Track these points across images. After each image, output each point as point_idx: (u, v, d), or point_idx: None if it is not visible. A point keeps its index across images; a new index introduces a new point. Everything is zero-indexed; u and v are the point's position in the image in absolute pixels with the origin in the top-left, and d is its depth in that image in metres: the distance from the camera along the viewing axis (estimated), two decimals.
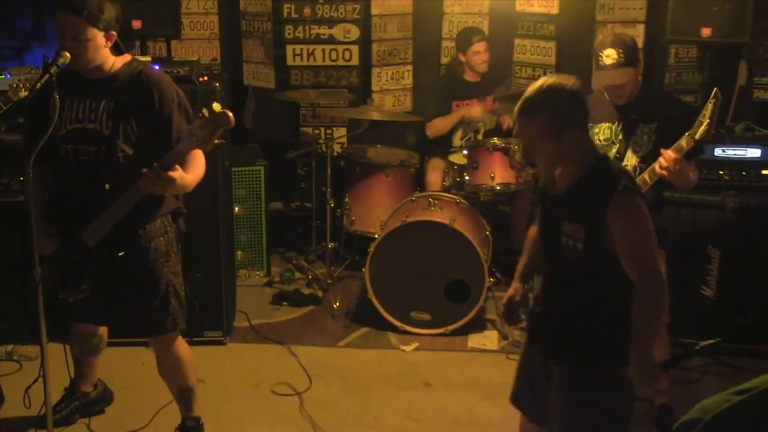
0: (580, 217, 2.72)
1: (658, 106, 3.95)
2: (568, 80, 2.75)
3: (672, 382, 4.11)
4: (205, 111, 3.26)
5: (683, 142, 3.54)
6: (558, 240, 2.81)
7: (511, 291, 3.10)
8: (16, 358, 4.57)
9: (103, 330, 4.02)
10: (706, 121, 3.52)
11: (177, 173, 3.25)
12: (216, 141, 3.35)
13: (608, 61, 3.82)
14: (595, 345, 2.84)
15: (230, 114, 3.22)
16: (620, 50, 3.85)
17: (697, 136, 3.52)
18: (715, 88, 3.60)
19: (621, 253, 2.65)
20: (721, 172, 4.42)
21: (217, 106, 3.30)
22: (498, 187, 5.22)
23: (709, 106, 3.51)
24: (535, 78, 6.14)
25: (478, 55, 5.72)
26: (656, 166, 3.62)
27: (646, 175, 3.71)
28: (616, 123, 3.95)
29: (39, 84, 3.29)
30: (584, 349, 2.84)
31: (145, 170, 3.25)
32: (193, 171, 3.38)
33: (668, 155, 3.56)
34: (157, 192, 3.39)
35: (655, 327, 2.71)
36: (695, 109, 4.27)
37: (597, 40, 3.92)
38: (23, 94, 3.81)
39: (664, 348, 3.97)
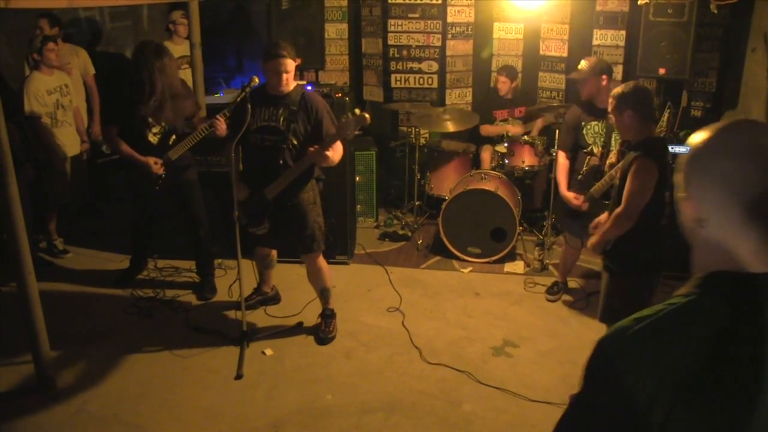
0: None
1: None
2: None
3: None
4: (349, 114, 3.25)
5: None
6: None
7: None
8: (223, 267, 4.63)
9: (274, 252, 4.02)
10: (665, 125, 3.58)
11: (330, 152, 3.30)
12: (357, 132, 3.37)
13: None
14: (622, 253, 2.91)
15: (367, 116, 3.21)
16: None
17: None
18: (668, 103, 3.74)
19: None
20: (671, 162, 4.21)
21: (358, 111, 3.26)
22: (526, 168, 5.00)
23: (666, 115, 3.60)
24: (552, 99, 5.84)
25: (500, 83, 5.45)
26: None
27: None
28: (602, 121, 3.77)
29: (239, 98, 3.36)
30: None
31: (311, 149, 3.30)
32: (337, 152, 3.37)
33: None
34: (318, 163, 3.40)
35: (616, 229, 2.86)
36: None
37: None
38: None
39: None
